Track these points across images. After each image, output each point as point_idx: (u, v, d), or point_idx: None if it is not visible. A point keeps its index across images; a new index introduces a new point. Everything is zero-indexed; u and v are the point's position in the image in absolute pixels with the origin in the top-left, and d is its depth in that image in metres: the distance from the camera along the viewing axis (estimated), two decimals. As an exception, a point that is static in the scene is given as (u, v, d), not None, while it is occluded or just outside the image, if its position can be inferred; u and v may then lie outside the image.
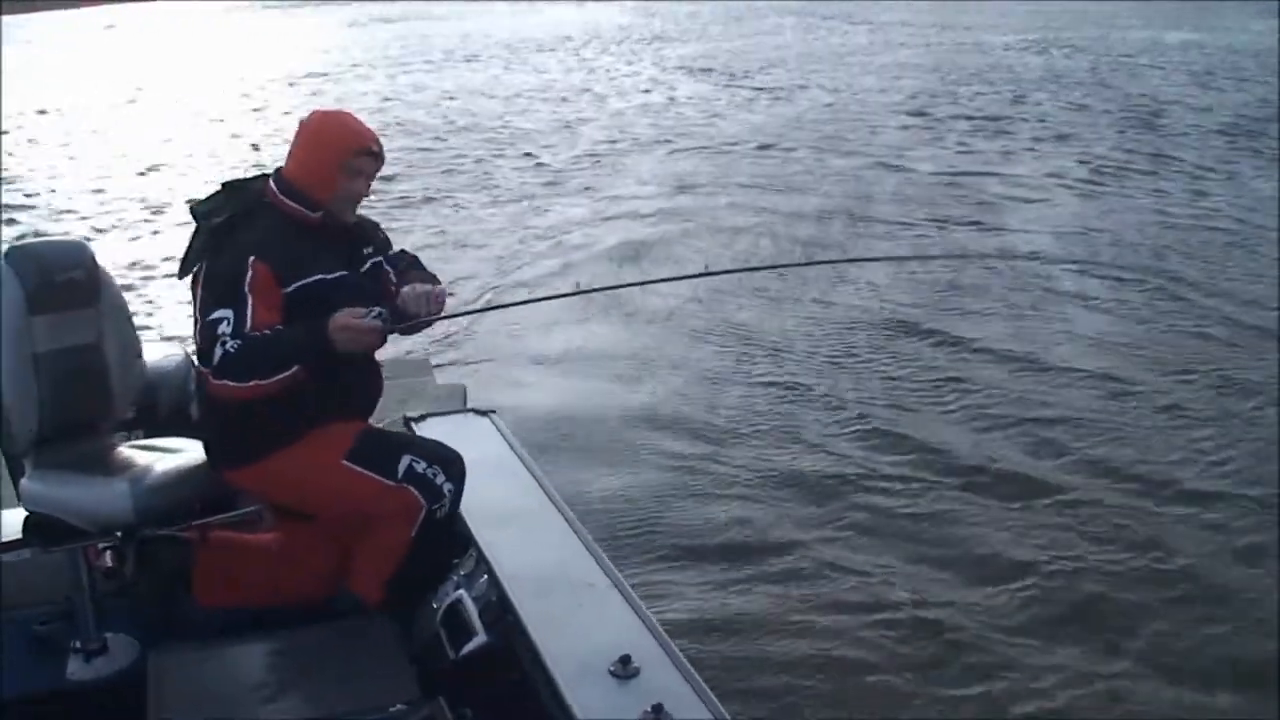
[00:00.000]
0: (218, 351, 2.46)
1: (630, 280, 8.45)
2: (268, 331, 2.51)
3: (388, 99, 18.64)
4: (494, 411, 3.40)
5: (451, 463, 2.74)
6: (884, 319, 7.56)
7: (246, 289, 2.50)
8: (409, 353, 6.19)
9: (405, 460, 2.67)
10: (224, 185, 2.74)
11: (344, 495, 2.68)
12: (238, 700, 2.41)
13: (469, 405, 3.54)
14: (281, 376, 2.51)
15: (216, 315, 2.49)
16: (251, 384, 2.49)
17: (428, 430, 3.18)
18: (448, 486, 2.70)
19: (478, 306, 7.12)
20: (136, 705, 2.39)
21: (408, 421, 3.27)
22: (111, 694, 2.64)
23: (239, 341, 2.46)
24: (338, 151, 2.66)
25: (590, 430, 5.74)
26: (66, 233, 9.26)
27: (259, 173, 2.83)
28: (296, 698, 2.43)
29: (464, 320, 7.31)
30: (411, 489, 2.66)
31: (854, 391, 6.34)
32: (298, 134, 2.74)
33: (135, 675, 2.58)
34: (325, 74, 22.41)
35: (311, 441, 2.65)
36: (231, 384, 2.48)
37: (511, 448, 3.24)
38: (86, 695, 2.65)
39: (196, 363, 2.51)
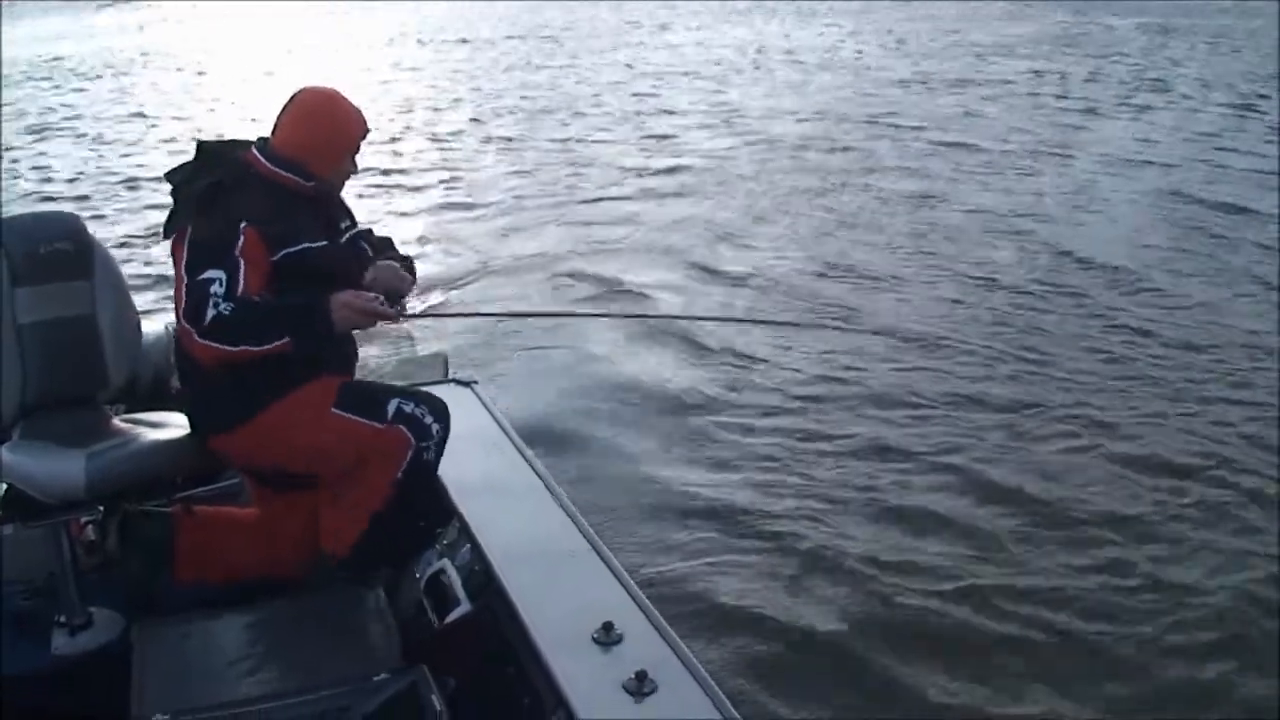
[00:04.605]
0: (209, 312, 2.43)
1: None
2: (261, 297, 2.50)
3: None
4: (476, 381, 3.39)
5: (439, 406, 2.74)
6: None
7: (237, 253, 2.49)
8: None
9: (394, 403, 2.67)
10: (199, 148, 2.72)
11: (336, 445, 2.66)
12: (222, 672, 2.42)
13: (450, 375, 3.51)
14: (271, 346, 2.49)
15: (208, 275, 2.46)
16: (241, 348, 2.46)
17: None
18: (436, 427, 2.70)
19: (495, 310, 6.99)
20: (121, 679, 2.39)
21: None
22: (96, 668, 2.64)
23: (232, 304, 2.44)
24: (349, 137, 2.76)
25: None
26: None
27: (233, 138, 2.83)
28: (281, 668, 2.44)
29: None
30: (402, 428, 2.66)
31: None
32: (292, 111, 2.74)
33: (120, 649, 2.58)
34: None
35: (297, 397, 2.64)
36: (218, 346, 2.46)
37: (494, 417, 3.24)
38: (71, 670, 2.66)
39: (181, 322, 2.47)
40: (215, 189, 2.59)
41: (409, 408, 2.68)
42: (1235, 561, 4.29)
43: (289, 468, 2.77)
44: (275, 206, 2.63)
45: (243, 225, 2.51)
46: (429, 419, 2.70)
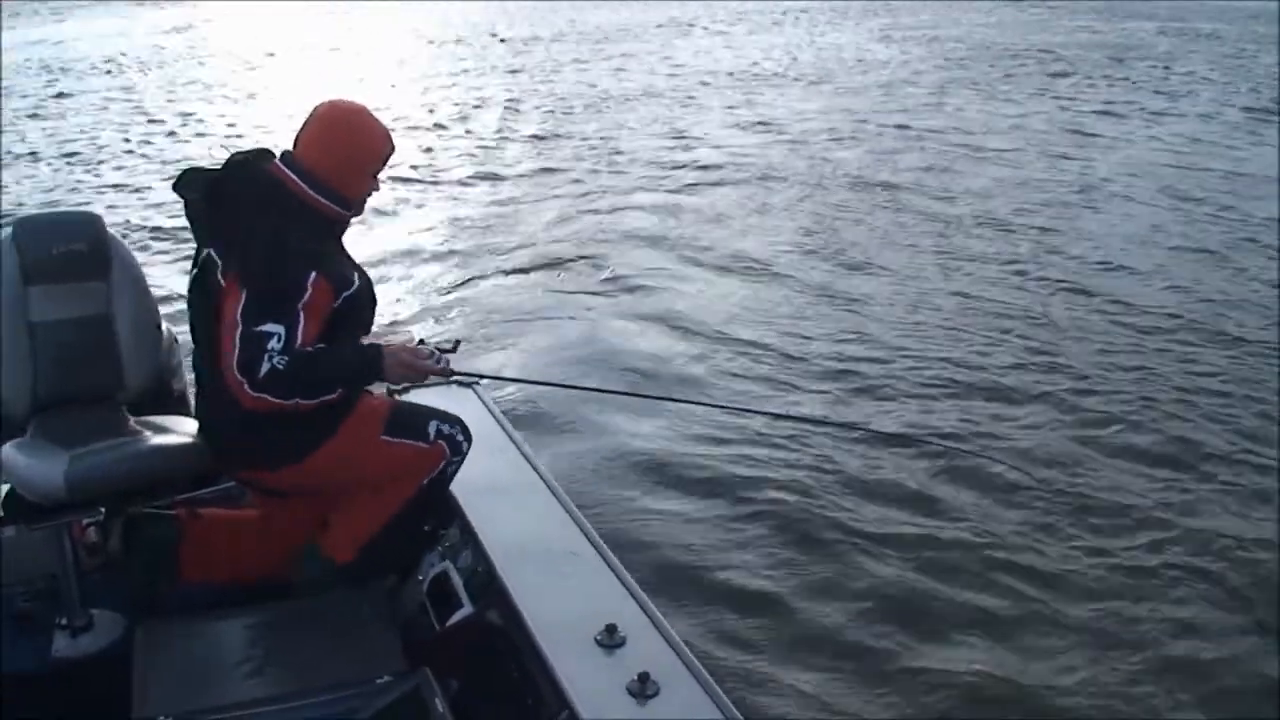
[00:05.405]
0: (264, 366, 2.38)
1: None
2: (316, 349, 2.46)
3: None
4: (478, 382, 3.37)
5: (466, 428, 2.77)
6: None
7: (301, 307, 2.44)
8: (391, 324, 6.34)
9: (434, 424, 2.71)
10: (229, 161, 2.62)
11: (384, 468, 2.69)
12: (225, 674, 2.40)
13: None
14: (323, 399, 2.49)
15: (267, 329, 2.40)
16: (293, 401, 2.45)
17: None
18: (465, 445, 2.74)
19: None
20: (123, 681, 2.37)
21: (392, 393, 3.24)
22: (98, 670, 2.62)
23: (288, 358, 2.40)
24: (375, 154, 2.68)
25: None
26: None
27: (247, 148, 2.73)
28: (283, 670, 2.42)
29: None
30: (442, 444, 2.70)
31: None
32: (316, 125, 2.63)
33: (121, 651, 2.56)
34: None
35: (347, 432, 2.62)
36: (272, 399, 2.42)
37: (495, 419, 3.23)
38: (73, 671, 2.64)
39: (234, 371, 2.40)
40: (277, 226, 2.50)
41: (446, 429, 2.71)
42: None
43: (341, 490, 2.75)
44: (329, 243, 2.60)
45: (313, 275, 2.45)
46: (460, 437, 2.73)
